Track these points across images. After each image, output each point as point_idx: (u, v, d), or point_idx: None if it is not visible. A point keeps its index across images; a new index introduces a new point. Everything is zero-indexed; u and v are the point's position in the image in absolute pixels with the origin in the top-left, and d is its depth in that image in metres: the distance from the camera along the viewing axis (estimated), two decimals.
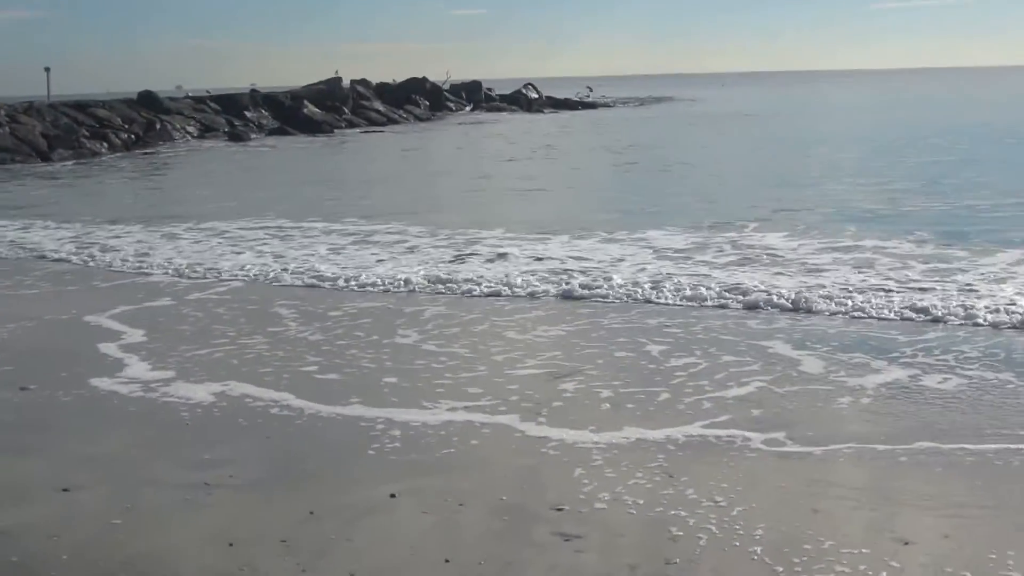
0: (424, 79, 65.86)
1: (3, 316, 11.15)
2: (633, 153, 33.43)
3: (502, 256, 14.02)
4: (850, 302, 10.34)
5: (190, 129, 46.82)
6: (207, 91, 57.15)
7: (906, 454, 6.36)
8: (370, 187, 25.76)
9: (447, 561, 5.06)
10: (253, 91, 54.88)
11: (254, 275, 13.32)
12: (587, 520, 5.47)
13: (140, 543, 5.35)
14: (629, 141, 38.91)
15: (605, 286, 11.56)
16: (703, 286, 11.26)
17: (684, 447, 6.59)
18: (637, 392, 7.83)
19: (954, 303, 10.09)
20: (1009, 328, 9.33)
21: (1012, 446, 6.40)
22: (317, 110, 52.78)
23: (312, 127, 49.80)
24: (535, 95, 72.54)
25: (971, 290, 10.77)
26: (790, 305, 10.40)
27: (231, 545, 5.29)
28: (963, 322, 9.54)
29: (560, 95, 75.29)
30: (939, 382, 7.83)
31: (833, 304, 10.32)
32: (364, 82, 61.23)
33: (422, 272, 12.82)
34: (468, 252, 14.47)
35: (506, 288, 11.74)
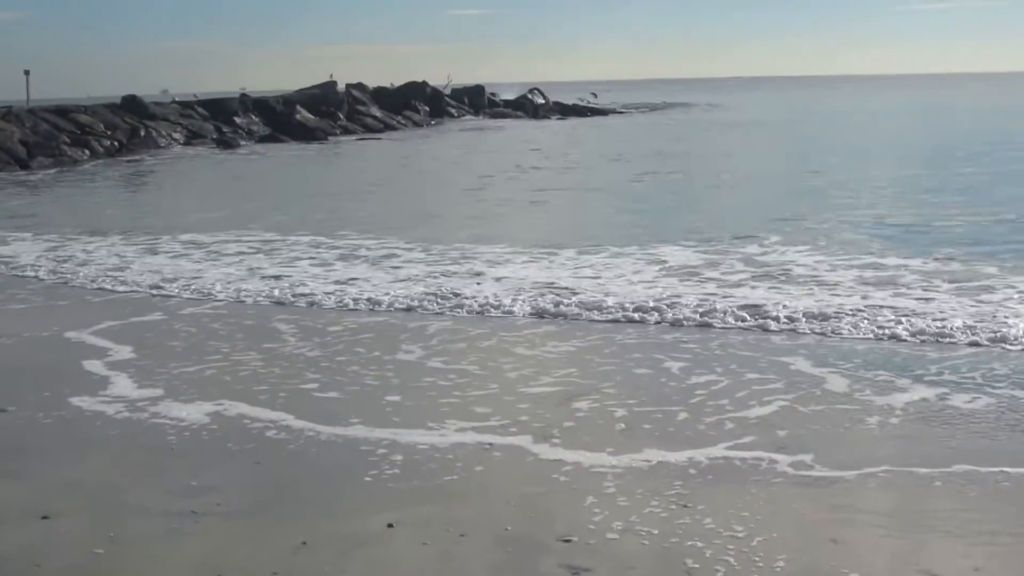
0: (424, 83, 65.98)
1: None
2: (665, 162, 33.37)
3: (502, 271, 14.01)
4: (870, 320, 10.37)
5: (176, 136, 46.93)
6: (194, 95, 57.23)
7: (941, 478, 6.34)
8: (364, 198, 25.78)
9: None
10: (243, 96, 54.92)
11: (239, 293, 13.24)
12: (597, 552, 5.44)
13: (123, 575, 5.32)
14: (657, 150, 38.86)
15: (615, 305, 11.54)
16: (716, 307, 11.24)
17: (705, 471, 6.58)
18: (654, 411, 7.84)
19: (978, 320, 10.12)
20: None
21: None
22: (310, 116, 52.86)
23: (305, 134, 49.80)
24: (542, 100, 72.29)
25: (1002, 307, 10.78)
26: (814, 323, 10.39)
27: None
28: (990, 344, 9.53)
29: (565, 100, 75.14)
30: (967, 401, 7.86)
31: (854, 322, 10.33)
32: (360, 86, 61.30)
33: (420, 289, 12.79)
34: (466, 268, 14.44)
35: (506, 306, 11.69)
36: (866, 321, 10.35)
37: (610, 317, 11.07)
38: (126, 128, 44.48)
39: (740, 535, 5.56)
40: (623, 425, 7.56)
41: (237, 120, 50.43)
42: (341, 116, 55.00)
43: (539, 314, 11.39)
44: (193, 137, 47.48)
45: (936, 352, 9.32)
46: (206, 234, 18.56)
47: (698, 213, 20.20)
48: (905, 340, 9.78)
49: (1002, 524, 5.67)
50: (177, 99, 55.10)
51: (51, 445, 7.49)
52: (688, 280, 12.98)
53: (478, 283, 13.12)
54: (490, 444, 7.21)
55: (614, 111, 76.22)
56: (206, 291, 13.37)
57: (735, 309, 11.00)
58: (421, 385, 8.78)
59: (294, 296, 12.84)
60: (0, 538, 5.81)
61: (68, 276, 14.96)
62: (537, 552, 5.45)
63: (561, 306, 11.52)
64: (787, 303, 11.23)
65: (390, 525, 5.82)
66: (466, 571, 5.29)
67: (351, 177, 32.56)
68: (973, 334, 9.76)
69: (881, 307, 10.98)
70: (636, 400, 8.15)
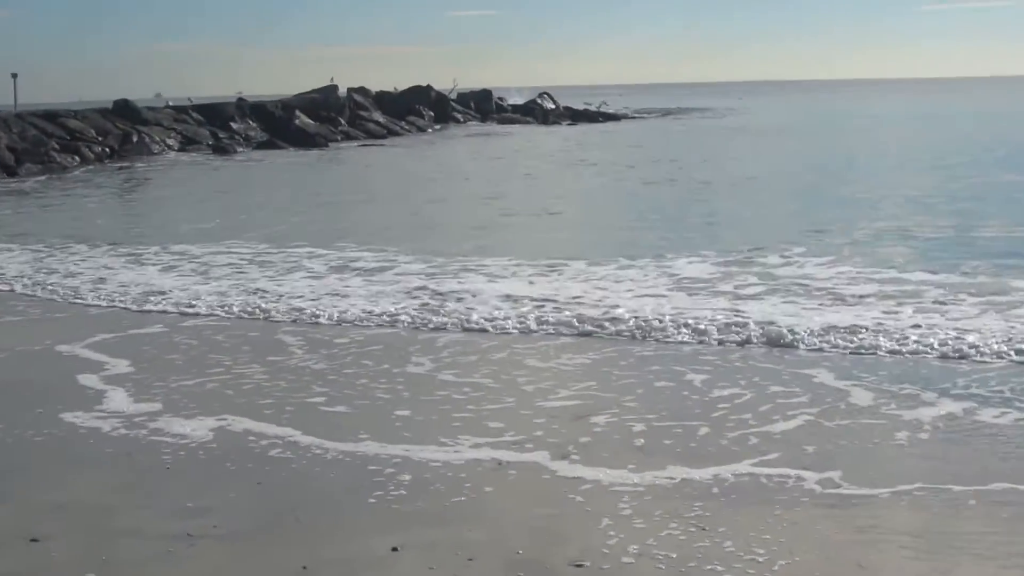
0: (429, 87, 66.02)
1: None
2: (687, 171, 33.41)
3: (511, 284, 14.03)
4: (894, 332, 10.39)
5: (170, 141, 47.09)
6: (189, 99, 57.36)
7: (975, 496, 6.32)
8: (365, 209, 25.81)
9: None
10: (240, 100, 55.06)
11: (236, 305, 13.24)
12: None
13: None
14: (678, 159, 38.87)
15: (630, 316, 11.55)
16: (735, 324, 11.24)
17: (728, 490, 6.56)
18: (675, 426, 7.85)
19: (1005, 334, 10.12)
20: None
21: None
22: (310, 121, 52.98)
23: (304, 140, 49.83)
24: (551, 105, 72.24)
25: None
26: (837, 336, 10.39)
27: None
28: (1018, 356, 9.51)
29: (574, 105, 75.07)
30: (996, 416, 7.87)
31: (876, 334, 10.35)
32: (363, 90, 61.37)
33: (419, 303, 12.79)
34: (474, 279, 14.47)
35: (520, 320, 11.66)
36: (889, 334, 10.35)
37: (623, 328, 11.06)
38: (118, 134, 44.65)
39: (761, 559, 5.53)
40: (642, 441, 7.56)
41: (234, 125, 50.54)
42: (342, 121, 55.07)
43: (555, 326, 11.36)
44: (188, 143, 47.64)
45: (962, 365, 9.34)
46: (198, 245, 18.59)
47: (719, 223, 20.22)
48: (929, 353, 9.78)
49: None
50: (171, 103, 55.23)
51: (42, 463, 7.49)
52: (704, 292, 12.95)
53: (485, 295, 13.12)
54: (503, 462, 7.20)
55: (626, 116, 76.33)
56: (203, 303, 13.37)
57: (753, 322, 11.00)
58: (433, 399, 8.80)
59: (295, 309, 12.83)
60: None
61: (58, 288, 14.97)
62: None
63: (575, 320, 11.50)
64: (809, 315, 11.28)
65: (395, 548, 5.80)
66: None
67: (353, 185, 32.58)
68: (999, 346, 9.75)
69: (904, 319, 10.99)
70: (656, 415, 8.16)
